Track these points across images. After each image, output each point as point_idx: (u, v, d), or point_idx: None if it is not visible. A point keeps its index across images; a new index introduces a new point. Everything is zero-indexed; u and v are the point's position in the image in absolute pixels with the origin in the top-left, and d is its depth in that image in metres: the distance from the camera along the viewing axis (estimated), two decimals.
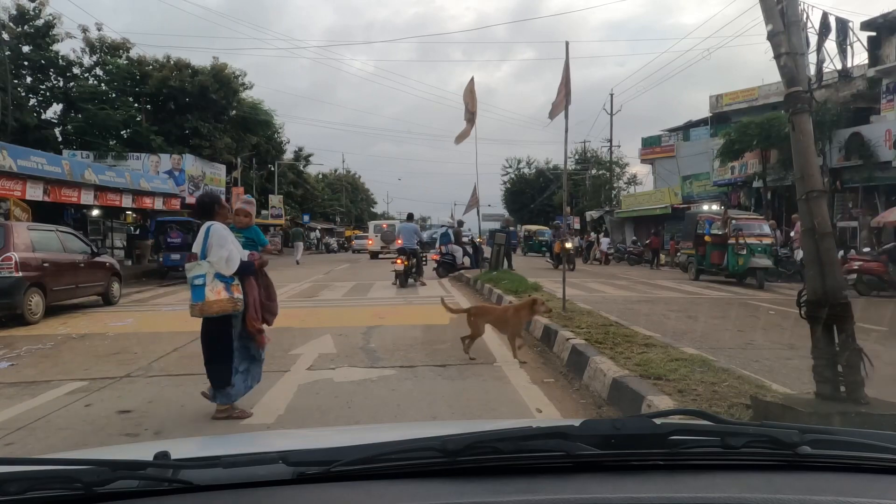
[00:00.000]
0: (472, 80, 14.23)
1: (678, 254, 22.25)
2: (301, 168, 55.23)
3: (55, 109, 33.55)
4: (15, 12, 29.55)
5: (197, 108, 35.32)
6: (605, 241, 31.23)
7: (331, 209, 65.04)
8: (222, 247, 4.41)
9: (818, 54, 20.63)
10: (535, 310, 6.44)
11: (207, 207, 4.69)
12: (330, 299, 12.93)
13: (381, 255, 32.20)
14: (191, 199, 32.31)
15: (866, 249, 16.09)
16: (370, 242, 34.35)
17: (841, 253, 13.41)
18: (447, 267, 18.26)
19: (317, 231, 52.70)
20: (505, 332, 6.65)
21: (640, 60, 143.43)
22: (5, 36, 28.44)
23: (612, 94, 40.82)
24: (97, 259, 11.62)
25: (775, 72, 3.75)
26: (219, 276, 4.38)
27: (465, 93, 14.17)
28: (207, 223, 4.56)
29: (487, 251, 18.53)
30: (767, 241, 15.57)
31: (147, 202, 21.85)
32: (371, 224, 38.56)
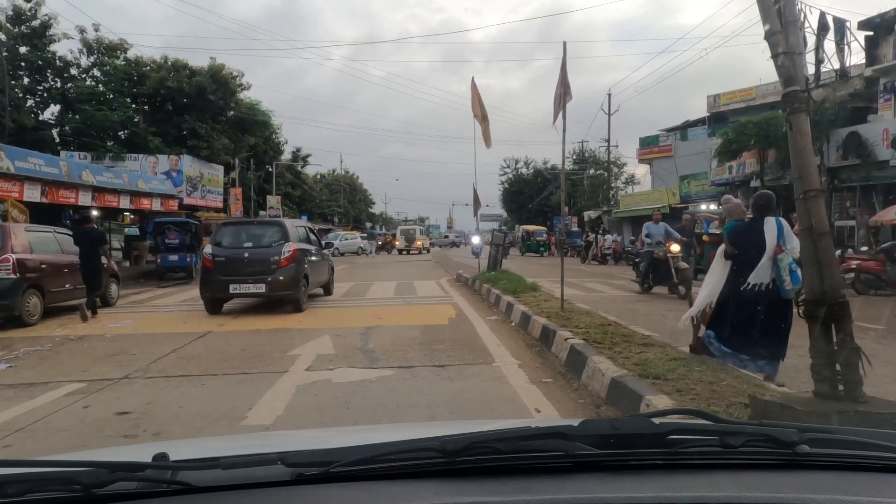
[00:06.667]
0: (473, 80, 14.20)
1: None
2: (299, 168, 55.20)
3: (53, 110, 33.51)
4: (11, 13, 29.50)
5: (195, 108, 35.26)
6: (609, 237, 31.34)
7: (329, 210, 65.01)
8: (793, 237, 5.10)
9: (817, 54, 20.63)
10: None
11: (772, 205, 5.48)
12: (328, 299, 12.92)
13: (405, 252, 42.36)
14: (189, 200, 32.38)
15: (864, 248, 16.12)
16: (397, 242, 45.59)
17: (839, 252, 13.42)
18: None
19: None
20: None
21: (650, 63, 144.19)
22: (2, 36, 28.39)
23: (609, 95, 40.86)
24: None
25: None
26: (792, 262, 5.10)
27: (473, 103, 14.06)
28: (773, 218, 5.35)
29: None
30: None
31: (145, 203, 21.83)
32: (398, 228, 52.58)
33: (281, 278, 10.42)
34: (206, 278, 10.73)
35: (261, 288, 10.40)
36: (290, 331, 8.56)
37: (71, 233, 11.17)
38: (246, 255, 10.66)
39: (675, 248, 12.28)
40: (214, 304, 10.71)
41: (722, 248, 5.82)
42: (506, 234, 19.59)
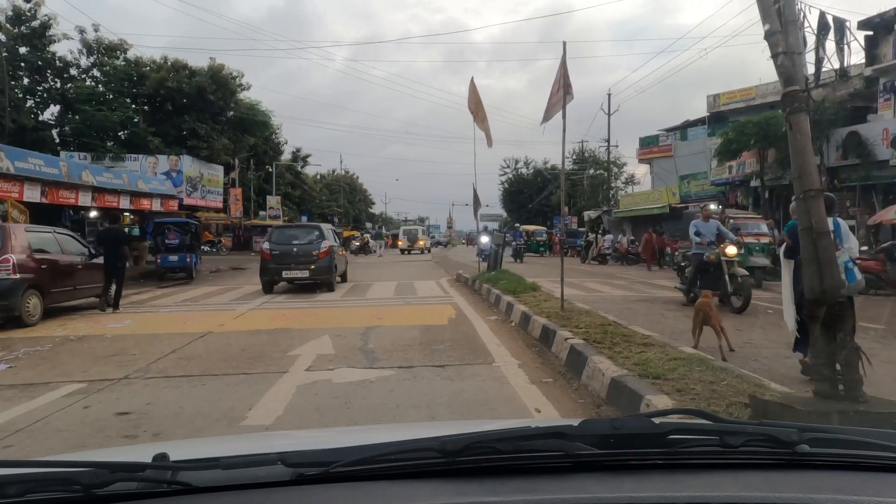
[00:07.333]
0: (472, 80, 14.18)
1: (675, 253, 22.25)
2: (299, 169, 55.22)
3: (52, 111, 33.55)
4: (11, 13, 29.50)
5: (194, 108, 35.27)
6: (608, 237, 31.42)
7: (328, 210, 65.05)
8: (851, 237, 5.23)
9: (817, 53, 20.51)
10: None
11: (832, 205, 5.28)
12: (328, 300, 12.92)
13: (407, 251, 44.70)
14: (189, 200, 32.39)
15: (864, 248, 16.11)
16: (400, 242, 48.21)
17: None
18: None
19: None
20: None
21: (650, 63, 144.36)
22: (2, 37, 28.38)
23: (609, 95, 40.85)
24: (95, 261, 11.59)
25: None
26: (848, 261, 5.13)
27: (470, 102, 14.03)
28: (832, 218, 5.08)
29: None
30: (765, 240, 15.56)
31: (145, 203, 21.84)
32: (401, 228, 54.51)
33: (317, 266, 14.07)
34: (264, 266, 14.14)
35: (305, 273, 14.03)
36: (290, 331, 8.56)
37: (71, 232, 11.18)
38: (294, 249, 14.32)
39: (732, 250, 10.32)
40: (269, 286, 14.22)
41: (784, 247, 5.91)
42: (515, 234, 19.21)
